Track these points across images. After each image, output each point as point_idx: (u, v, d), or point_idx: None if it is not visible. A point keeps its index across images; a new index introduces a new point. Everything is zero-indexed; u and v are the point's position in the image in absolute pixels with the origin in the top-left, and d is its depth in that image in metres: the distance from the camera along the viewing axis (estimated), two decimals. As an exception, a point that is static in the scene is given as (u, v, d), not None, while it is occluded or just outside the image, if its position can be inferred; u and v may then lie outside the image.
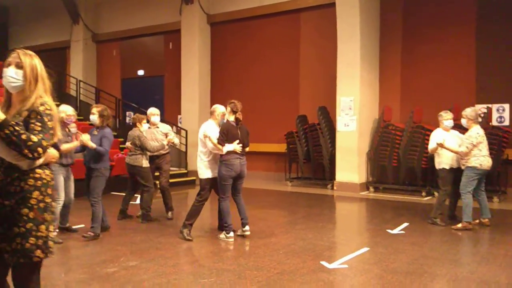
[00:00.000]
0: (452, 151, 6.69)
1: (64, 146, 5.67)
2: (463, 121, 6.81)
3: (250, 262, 4.97)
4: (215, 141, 5.84)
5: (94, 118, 6.15)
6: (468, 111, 6.76)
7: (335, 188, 10.91)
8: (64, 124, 5.90)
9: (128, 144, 7.12)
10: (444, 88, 10.34)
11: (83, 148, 6.04)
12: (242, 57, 13.56)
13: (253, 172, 13.23)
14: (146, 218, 7.11)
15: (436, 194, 9.70)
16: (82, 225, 6.62)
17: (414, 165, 9.99)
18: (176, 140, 7.62)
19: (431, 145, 6.93)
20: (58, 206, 5.81)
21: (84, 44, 16.64)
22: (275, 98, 12.89)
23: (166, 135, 7.42)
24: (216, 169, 6.01)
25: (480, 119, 6.84)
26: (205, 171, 6.08)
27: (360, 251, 5.45)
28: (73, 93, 15.46)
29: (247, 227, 6.10)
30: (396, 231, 6.56)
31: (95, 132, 6.10)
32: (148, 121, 7.46)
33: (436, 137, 6.84)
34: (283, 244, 5.80)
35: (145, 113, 7.64)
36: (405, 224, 6.96)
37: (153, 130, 7.42)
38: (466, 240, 6.09)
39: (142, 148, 7.00)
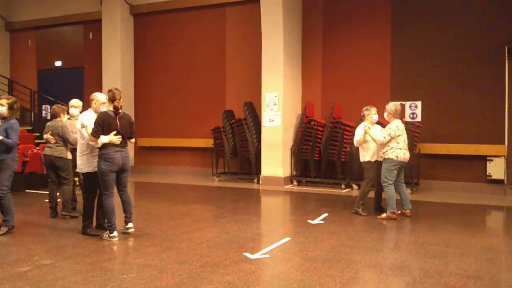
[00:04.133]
0: (373, 139, 7.07)
1: None
2: (385, 115, 7.23)
3: (172, 257, 4.91)
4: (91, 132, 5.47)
5: (3, 109, 5.81)
6: (390, 106, 7.18)
7: (261, 182, 11.07)
8: None
9: (48, 135, 6.88)
10: (362, 85, 10.87)
11: None
12: (167, 51, 13.32)
13: (179, 167, 13.11)
14: (68, 211, 6.90)
15: (355, 186, 10.20)
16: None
17: (335, 159, 10.40)
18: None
19: (357, 137, 7.27)
20: None
21: (-5, 32, 15.47)
22: (202, 93, 12.82)
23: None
24: (95, 163, 5.64)
25: (399, 114, 7.21)
26: (84, 165, 5.77)
27: (281, 241, 5.59)
28: (-18, 84, 14.33)
29: (130, 224, 5.82)
30: (316, 221, 6.80)
31: None
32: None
33: (361, 129, 7.22)
34: (207, 238, 5.80)
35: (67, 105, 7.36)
36: (325, 215, 7.24)
37: (73, 122, 7.06)
38: (381, 229, 6.45)
39: (64, 140, 6.80)
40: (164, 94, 13.40)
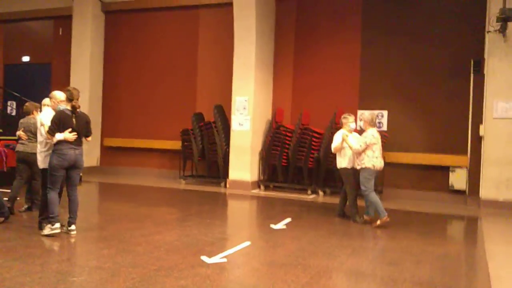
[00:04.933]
0: (349, 146, 7.11)
1: None
2: (360, 123, 7.33)
3: (127, 260, 4.80)
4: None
5: None
6: (366, 115, 7.34)
7: (228, 186, 11.01)
8: None
9: (20, 132, 6.98)
10: (331, 93, 10.96)
11: None
12: (138, 50, 13.15)
13: (145, 169, 12.91)
14: (37, 206, 6.83)
15: (321, 193, 10.25)
16: None
17: (302, 165, 10.44)
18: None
19: (335, 144, 7.33)
20: None
21: (-41, 25, 14.95)
22: (172, 94, 12.69)
23: None
24: None
25: (375, 123, 7.32)
26: (42, 162, 5.85)
27: (241, 246, 5.54)
28: None
29: (73, 226, 5.74)
30: (279, 226, 6.78)
31: None
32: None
33: (339, 136, 7.29)
34: (166, 241, 5.70)
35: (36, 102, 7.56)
36: (288, 220, 7.23)
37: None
38: (342, 235, 6.48)
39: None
40: (133, 93, 13.20)
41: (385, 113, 10.50)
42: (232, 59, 11.09)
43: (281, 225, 6.84)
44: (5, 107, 14.03)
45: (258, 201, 9.72)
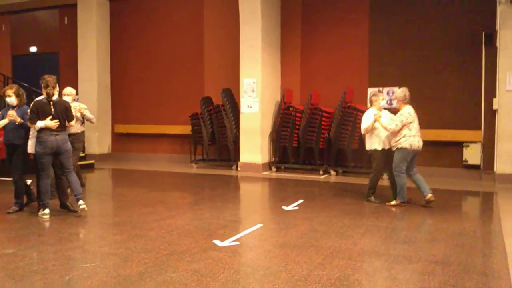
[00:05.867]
0: (384, 127, 6.76)
1: None
2: (394, 103, 6.95)
3: (139, 245, 4.80)
4: None
5: (12, 99, 6.15)
6: (398, 92, 6.86)
7: (239, 169, 10.99)
8: None
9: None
10: (340, 72, 10.80)
11: None
12: (145, 36, 13.07)
13: (156, 154, 12.95)
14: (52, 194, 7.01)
15: (333, 172, 10.19)
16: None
17: (313, 145, 10.35)
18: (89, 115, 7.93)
19: (366, 124, 6.91)
20: None
21: (-34, 16, 14.97)
22: (180, 79, 12.63)
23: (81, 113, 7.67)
24: None
25: (409, 99, 6.80)
26: (32, 147, 6.11)
27: (253, 228, 5.52)
28: (-47, 70, 13.90)
29: (81, 202, 5.93)
30: (290, 207, 6.75)
31: (11, 112, 6.07)
32: None
33: (370, 116, 6.90)
34: (178, 225, 5.70)
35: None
36: (300, 201, 7.19)
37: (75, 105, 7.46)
38: (354, 214, 6.40)
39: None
40: (141, 80, 13.17)
41: (396, 89, 10.28)
42: (238, 42, 10.96)
43: (293, 207, 6.80)
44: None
45: (269, 183, 9.69)
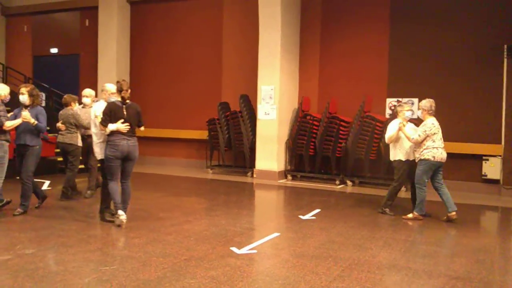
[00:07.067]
0: (407, 136, 6.71)
1: (8, 124, 5.81)
2: (419, 113, 6.92)
3: (158, 249, 4.82)
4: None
5: (24, 98, 6.12)
6: (423, 103, 6.75)
7: (254, 176, 10.97)
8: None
9: (59, 124, 7.35)
10: (359, 81, 10.74)
11: None
12: (164, 40, 13.17)
13: (173, 159, 13.00)
14: (66, 196, 7.34)
15: (349, 183, 10.12)
16: None
17: (329, 154, 10.30)
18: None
19: (390, 133, 6.87)
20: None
21: (-9, 17, 15.28)
22: (197, 84, 12.68)
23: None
24: None
25: (434, 111, 6.73)
26: (99, 153, 6.07)
27: (270, 237, 5.50)
28: (-24, 69, 14.17)
29: (120, 211, 5.77)
30: (307, 216, 6.71)
31: (24, 112, 6.05)
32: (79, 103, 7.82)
33: (394, 125, 6.85)
34: (195, 231, 5.70)
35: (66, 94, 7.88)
36: (317, 210, 7.15)
37: (88, 110, 7.47)
38: (373, 226, 6.34)
39: (77, 126, 7.33)
40: (160, 84, 13.25)
41: (415, 100, 10.22)
42: (256, 48, 10.97)
43: (309, 216, 6.76)
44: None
45: (285, 191, 9.65)
